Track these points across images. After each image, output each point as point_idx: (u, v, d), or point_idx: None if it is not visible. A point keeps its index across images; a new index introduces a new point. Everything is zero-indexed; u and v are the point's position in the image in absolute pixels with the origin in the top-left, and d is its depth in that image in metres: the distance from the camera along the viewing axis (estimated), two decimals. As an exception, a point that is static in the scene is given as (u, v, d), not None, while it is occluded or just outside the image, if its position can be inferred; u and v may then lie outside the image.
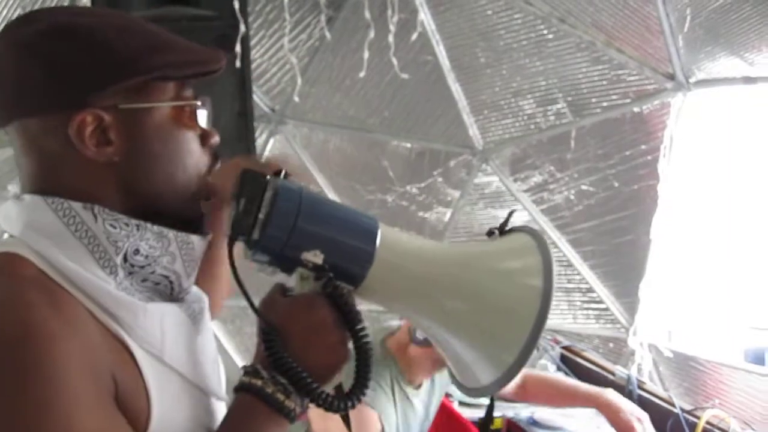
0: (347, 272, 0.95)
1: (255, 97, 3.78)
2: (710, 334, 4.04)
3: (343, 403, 0.92)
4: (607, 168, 3.70)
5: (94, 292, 0.88)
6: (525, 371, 2.50)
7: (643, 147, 3.55)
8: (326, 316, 0.92)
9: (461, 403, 2.60)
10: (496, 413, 2.51)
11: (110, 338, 0.88)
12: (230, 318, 5.08)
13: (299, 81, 3.75)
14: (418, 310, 1.03)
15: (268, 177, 0.94)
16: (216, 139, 1.00)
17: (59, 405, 0.79)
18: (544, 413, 2.54)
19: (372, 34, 3.31)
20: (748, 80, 3.04)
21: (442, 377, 2.24)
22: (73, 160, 0.91)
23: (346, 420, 0.97)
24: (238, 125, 3.19)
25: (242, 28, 3.12)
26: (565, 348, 3.04)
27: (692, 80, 3.26)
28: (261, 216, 0.92)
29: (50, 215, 0.90)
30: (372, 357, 0.95)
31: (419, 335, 2.10)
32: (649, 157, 3.52)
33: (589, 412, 2.40)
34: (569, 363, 2.95)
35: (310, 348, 0.91)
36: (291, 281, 0.97)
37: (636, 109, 3.52)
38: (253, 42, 3.91)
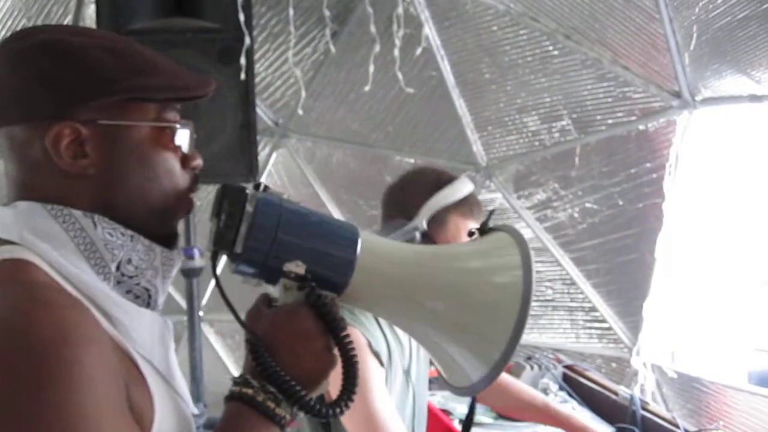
0: (330, 281, 0.97)
1: (258, 110, 3.78)
2: (714, 356, 4.01)
3: (331, 409, 0.95)
4: (611, 186, 3.67)
5: (95, 295, 0.90)
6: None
7: (648, 165, 3.52)
8: (310, 324, 0.95)
9: (461, 422, 2.56)
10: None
11: (115, 342, 0.90)
12: (230, 333, 5.06)
13: (303, 94, 3.75)
14: (402, 313, 1.06)
15: (248, 191, 0.95)
16: (198, 162, 1.02)
17: (90, 409, 0.81)
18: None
19: (377, 48, 3.30)
20: (755, 98, 3.02)
21: None
22: (50, 170, 0.93)
23: None
24: (241, 138, 3.19)
25: (247, 40, 3.12)
26: (567, 367, 2.99)
27: (698, 98, 3.24)
28: (242, 230, 0.93)
29: (49, 221, 0.92)
30: (357, 363, 0.97)
31: None
32: (654, 175, 3.49)
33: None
34: (571, 382, 2.91)
35: (296, 356, 0.94)
36: (276, 292, 0.98)
37: (641, 127, 3.49)
38: (257, 55, 3.91)
